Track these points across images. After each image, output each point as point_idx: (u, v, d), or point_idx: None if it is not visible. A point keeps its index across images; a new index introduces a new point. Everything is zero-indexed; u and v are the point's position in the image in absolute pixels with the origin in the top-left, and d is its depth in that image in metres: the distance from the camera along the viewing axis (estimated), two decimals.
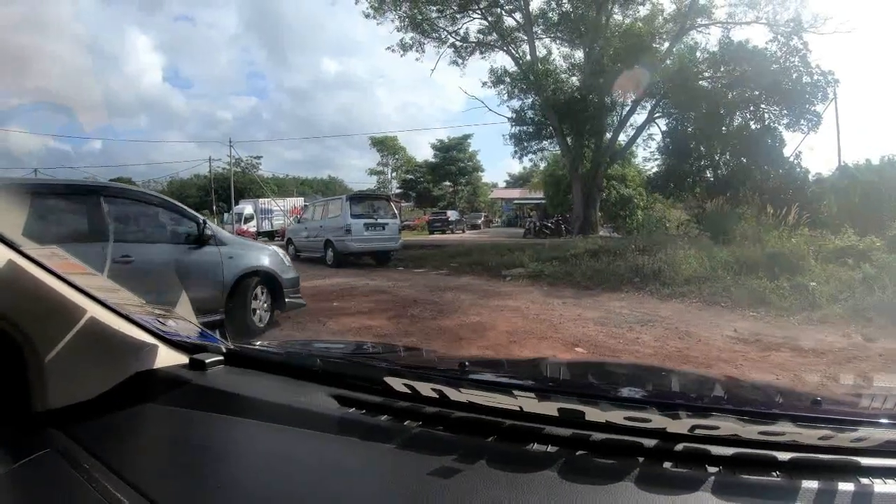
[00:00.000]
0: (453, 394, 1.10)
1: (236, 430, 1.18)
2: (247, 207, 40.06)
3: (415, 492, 0.92)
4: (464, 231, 44.69)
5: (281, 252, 8.00)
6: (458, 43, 30.27)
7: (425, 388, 1.13)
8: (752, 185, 19.90)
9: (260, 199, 42.80)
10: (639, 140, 30.64)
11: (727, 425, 0.94)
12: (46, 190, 6.00)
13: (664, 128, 28.16)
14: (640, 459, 0.96)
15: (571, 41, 29.29)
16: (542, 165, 40.31)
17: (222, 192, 50.25)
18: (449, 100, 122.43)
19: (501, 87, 29.83)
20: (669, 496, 0.86)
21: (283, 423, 1.17)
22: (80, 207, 5.86)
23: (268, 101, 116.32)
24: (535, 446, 1.02)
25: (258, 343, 1.91)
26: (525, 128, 30.51)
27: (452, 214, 46.78)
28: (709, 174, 25.79)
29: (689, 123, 26.09)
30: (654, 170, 30.25)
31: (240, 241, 8.34)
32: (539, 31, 29.30)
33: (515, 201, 61.27)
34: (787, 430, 0.94)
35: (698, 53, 25.95)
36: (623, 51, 25.82)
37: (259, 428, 1.18)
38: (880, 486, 0.89)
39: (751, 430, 0.93)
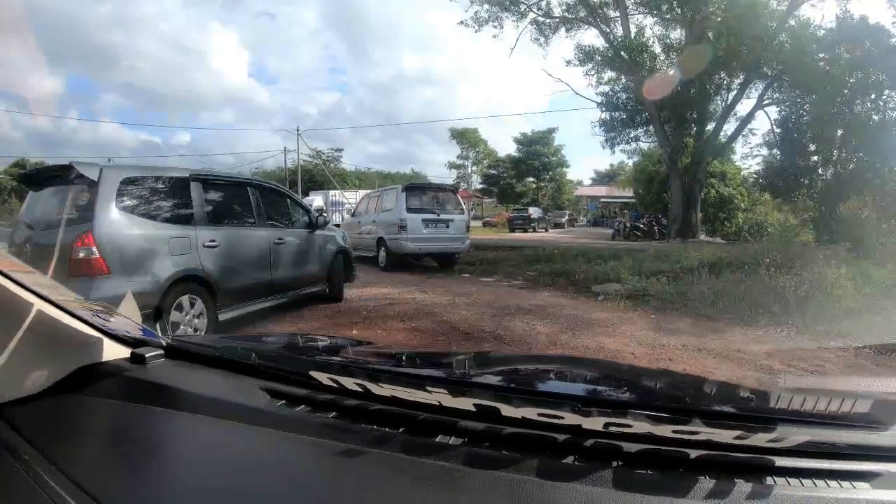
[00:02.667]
0: (375, 388, 1.16)
1: (172, 423, 1.22)
2: (316, 199, 38.32)
3: (329, 481, 0.98)
4: (546, 230, 42.30)
5: (346, 233, 10.19)
6: (539, 18, 27.40)
7: (349, 382, 1.19)
8: (877, 186, 17.18)
9: (331, 191, 41.27)
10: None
11: (640, 424, 0.97)
12: (218, 181, 6.82)
13: (775, 116, 24.81)
14: (548, 454, 1.00)
15: (668, 15, 25.91)
16: (633, 160, 37.36)
17: (301, 183, 49.23)
18: (532, 95, 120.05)
19: (590, 66, 26.71)
20: (570, 487, 0.89)
21: (216, 415, 1.20)
22: (244, 198, 7.01)
23: (350, 97, 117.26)
24: (451, 439, 1.07)
25: (198, 337, 2.18)
26: (617, 114, 27.34)
27: (534, 212, 44.13)
28: (821, 171, 22.77)
29: (804, 111, 22.86)
30: (754, 167, 27.12)
31: (329, 225, 9.69)
32: (631, 5, 26.12)
33: (601, 199, 59.03)
34: (700, 430, 0.96)
35: (811, 30, 22.41)
36: (729, 24, 22.47)
37: (193, 420, 1.21)
38: (795, 486, 0.92)
39: (664, 429, 0.96)
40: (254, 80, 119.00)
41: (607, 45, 25.94)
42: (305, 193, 43.38)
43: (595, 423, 0.98)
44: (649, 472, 0.93)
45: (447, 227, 13.69)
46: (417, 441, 1.06)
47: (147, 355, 1.44)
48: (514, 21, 27.47)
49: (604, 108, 27.89)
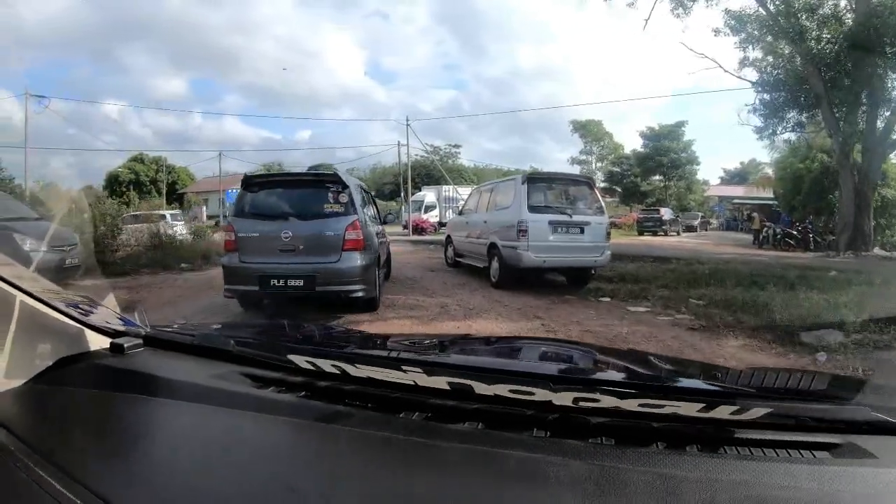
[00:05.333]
0: (351, 369, 1.18)
1: (153, 410, 1.22)
2: (428, 195, 36.99)
3: (309, 459, 1.02)
4: (678, 233, 38.02)
5: None
6: None
7: (326, 365, 1.23)
8: None
9: (444, 187, 39.31)
10: None
11: (608, 399, 0.99)
12: (362, 188, 9.57)
13: None
14: (518, 428, 1.01)
15: None
16: (773, 156, 32.94)
17: (418, 179, 49.20)
18: (661, 84, 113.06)
19: (742, 36, 22.63)
20: (537, 457, 0.91)
21: (197, 401, 1.20)
22: (368, 201, 9.58)
23: (466, 93, 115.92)
24: (427, 416, 1.09)
25: (177, 325, 1.96)
26: (777, 94, 23.10)
27: (666, 213, 39.46)
28: None
29: None
30: None
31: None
32: None
33: (734, 200, 53.46)
34: (665, 403, 0.98)
35: None
36: None
37: (175, 407, 1.21)
38: (757, 455, 0.93)
39: (630, 403, 0.99)
40: (369, 79, 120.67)
41: (763, 10, 21.80)
42: (417, 188, 42.22)
43: (565, 398, 1.00)
44: (614, 442, 0.96)
45: (581, 232, 9.90)
46: (393, 419, 1.08)
47: (126, 345, 1.42)
48: None
49: (759, 88, 23.69)
